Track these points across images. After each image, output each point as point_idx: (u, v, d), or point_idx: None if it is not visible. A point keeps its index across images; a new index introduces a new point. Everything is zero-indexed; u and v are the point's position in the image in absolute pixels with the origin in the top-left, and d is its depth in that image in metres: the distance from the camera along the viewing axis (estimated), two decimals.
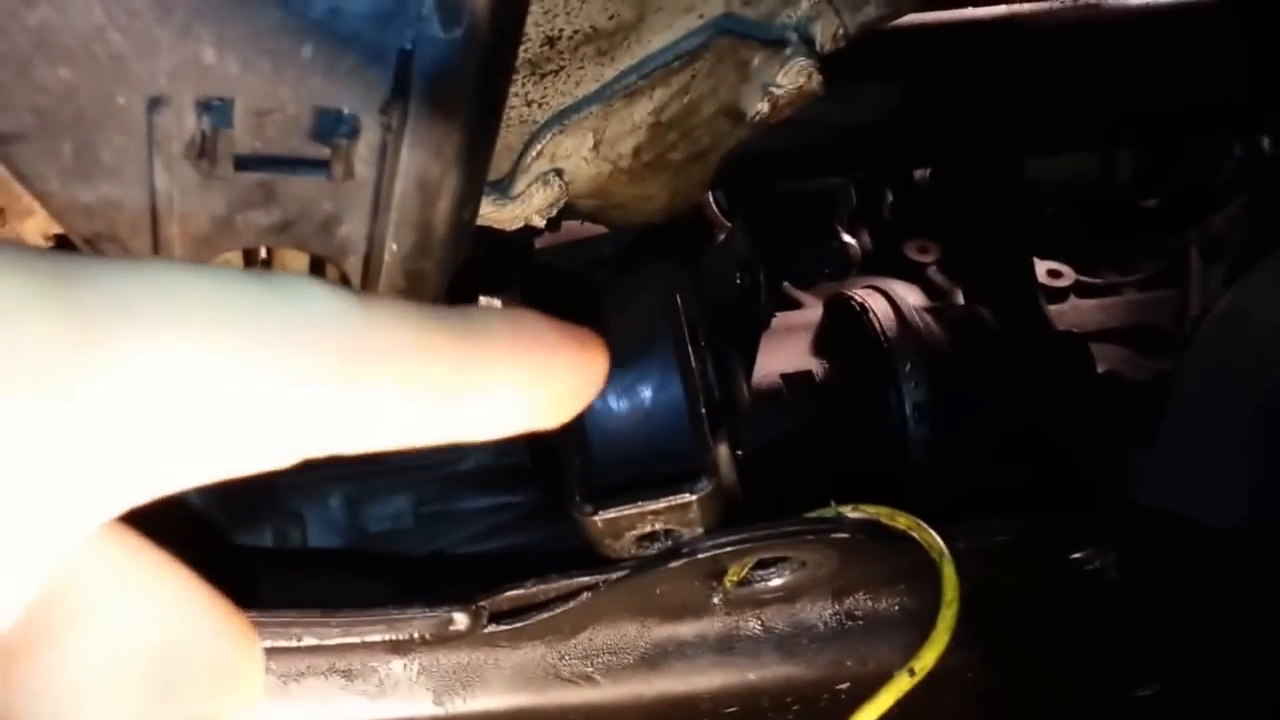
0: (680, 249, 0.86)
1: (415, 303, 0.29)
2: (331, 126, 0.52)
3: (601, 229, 0.86)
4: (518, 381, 0.29)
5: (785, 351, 1.11)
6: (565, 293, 0.81)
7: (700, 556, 0.70)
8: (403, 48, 0.49)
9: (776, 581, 0.74)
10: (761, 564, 0.74)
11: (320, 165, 0.53)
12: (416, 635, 0.68)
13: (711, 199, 1.11)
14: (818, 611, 0.76)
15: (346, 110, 0.51)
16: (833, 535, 0.70)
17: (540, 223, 0.72)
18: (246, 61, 0.49)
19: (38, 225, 0.58)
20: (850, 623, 0.75)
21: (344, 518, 1.02)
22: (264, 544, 0.92)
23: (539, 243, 0.85)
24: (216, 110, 0.51)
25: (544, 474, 0.99)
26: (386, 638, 0.68)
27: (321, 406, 0.26)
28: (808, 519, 0.72)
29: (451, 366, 0.28)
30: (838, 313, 1.14)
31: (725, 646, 0.76)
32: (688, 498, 0.70)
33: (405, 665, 0.69)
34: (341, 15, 0.48)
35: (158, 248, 0.56)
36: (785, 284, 1.25)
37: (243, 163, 0.53)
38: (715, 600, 0.74)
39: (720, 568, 0.72)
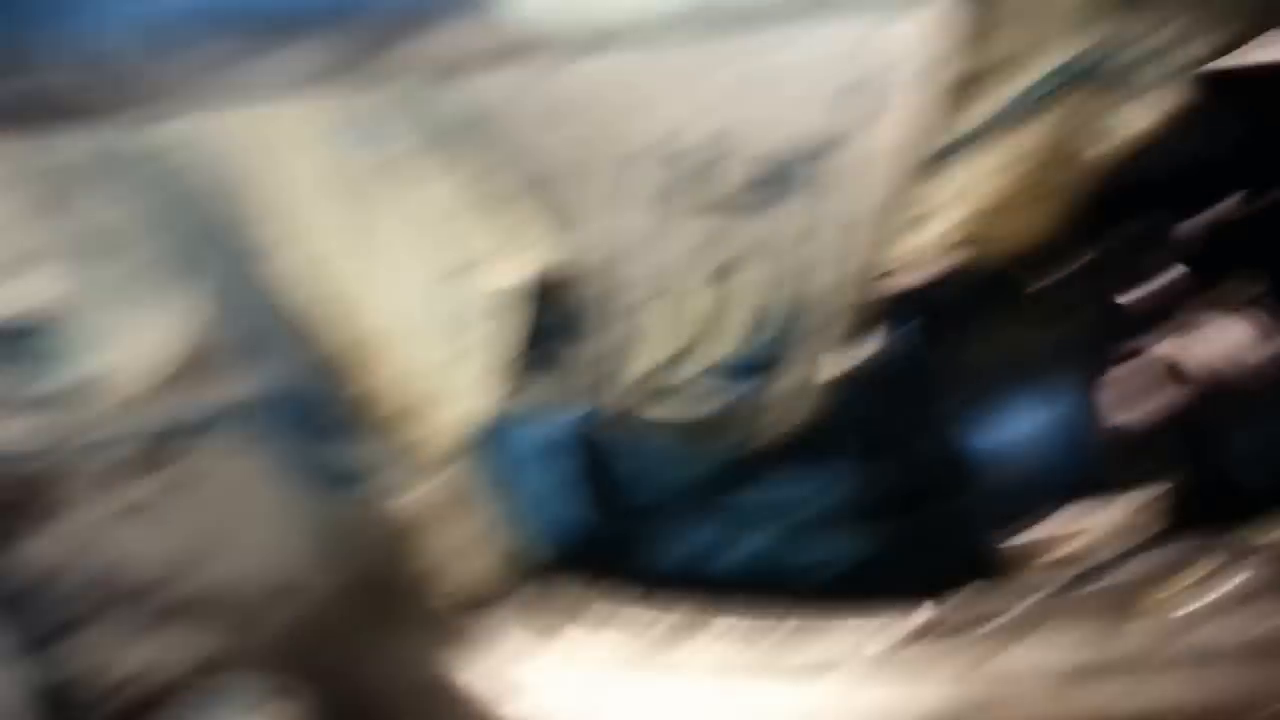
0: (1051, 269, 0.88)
1: None
2: (780, 180, 0.59)
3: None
4: None
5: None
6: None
7: (1130, 575, 0.71)
8: None
9: (1210, 598, 0.73)
10: (1194, 581, 0.74)
11: (763, 206, 0.60)
12: (886, 631, 0.71)
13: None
14: (1262, 625, 0.74)
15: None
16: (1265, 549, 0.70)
17: (930, 259, 0.77)
18: None
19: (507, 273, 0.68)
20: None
21: (712, 547, 1.06)
22: None
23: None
24: None
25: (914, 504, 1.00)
26: (863, 633, 0.71)
27: None
28: (1234, 535, 0.72)
29: None
30: None
31: (1161, 659, 0.75)
32: (1100, 518, 0.71)
33: (836, 677, 0.73)
34: None
35: (621, 285, 0.64)
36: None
37: (702, 208, 0.60)
38: (1147, 615, 0.74)
39: (1152, 583, 0.72)
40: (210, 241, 0.53)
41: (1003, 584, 0.75)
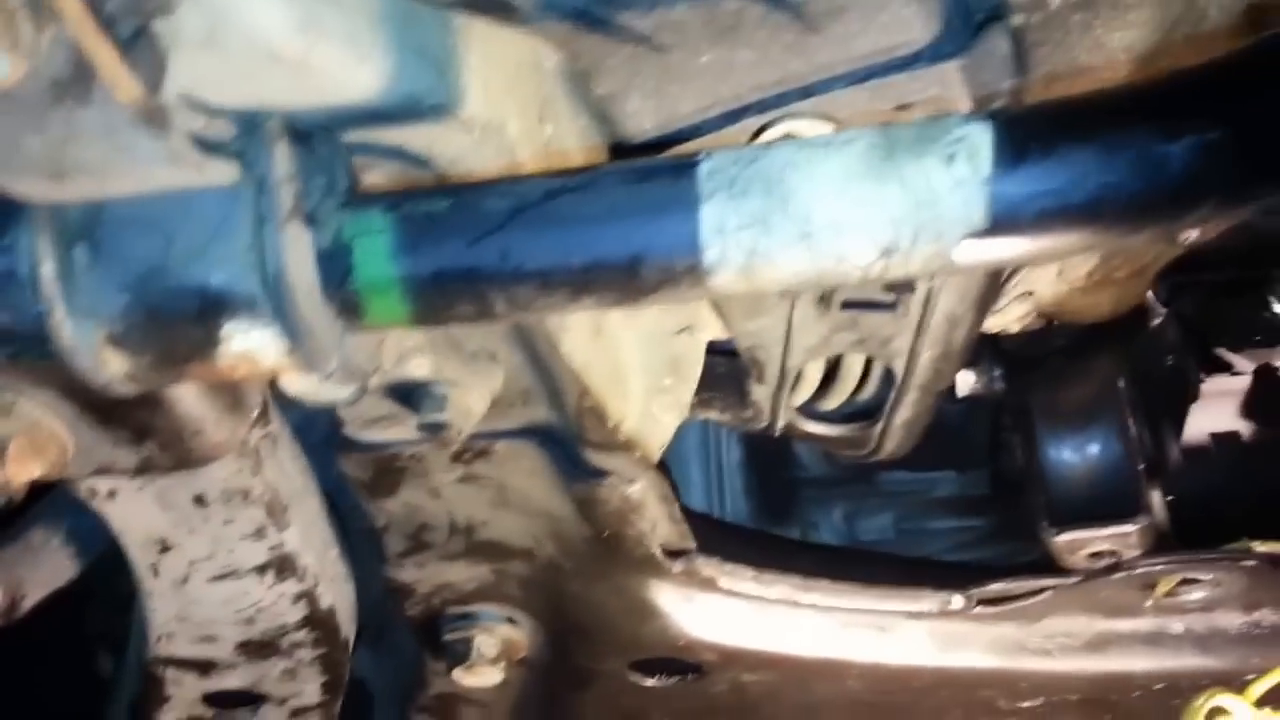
0: (1120, 334, 1.12)
1: None
2: (902, 287, 0.86)
3: None
4: None
5: (1215, 414, 1.31)
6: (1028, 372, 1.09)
7: (1137, 572, 0.97)
8: None
9: (1197, 595, 0.99)
10: (1185, 581, 1.00)
11: (890, 306, 0.88)
12: (927, 608, 1.01)
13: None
14: (1230, 620, 0.99)
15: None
16: (1243, 563, 0.95)
17: (1015, 328, 1.03)
18: None
19: (710, 334, 0.97)
20: (1258, 630, 0.98)
21: (843, 526, 1.37)
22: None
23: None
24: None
25: (1002, 503, 1.28)
26: (908, 607, 1.01)
27: None
28: (1224, 550, 0.97)
29: None
30: (1266, 381, 1.33)
31: (1154, 641, 1.02)
32: (1129, 528, 0.97)
33: (918, 626, 1.02)
34: None
35: (787, 353, 0.93)
36: (1217, 349, 1.45)
37: (846, 305, 0.88)
38: (1147, 605, 1.00)
39: (1153, 581, 0.99)
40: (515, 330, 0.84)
41: (1051, 568, 1.02)
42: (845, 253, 0.62)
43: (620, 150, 0.82)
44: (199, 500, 0.92)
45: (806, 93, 0.80)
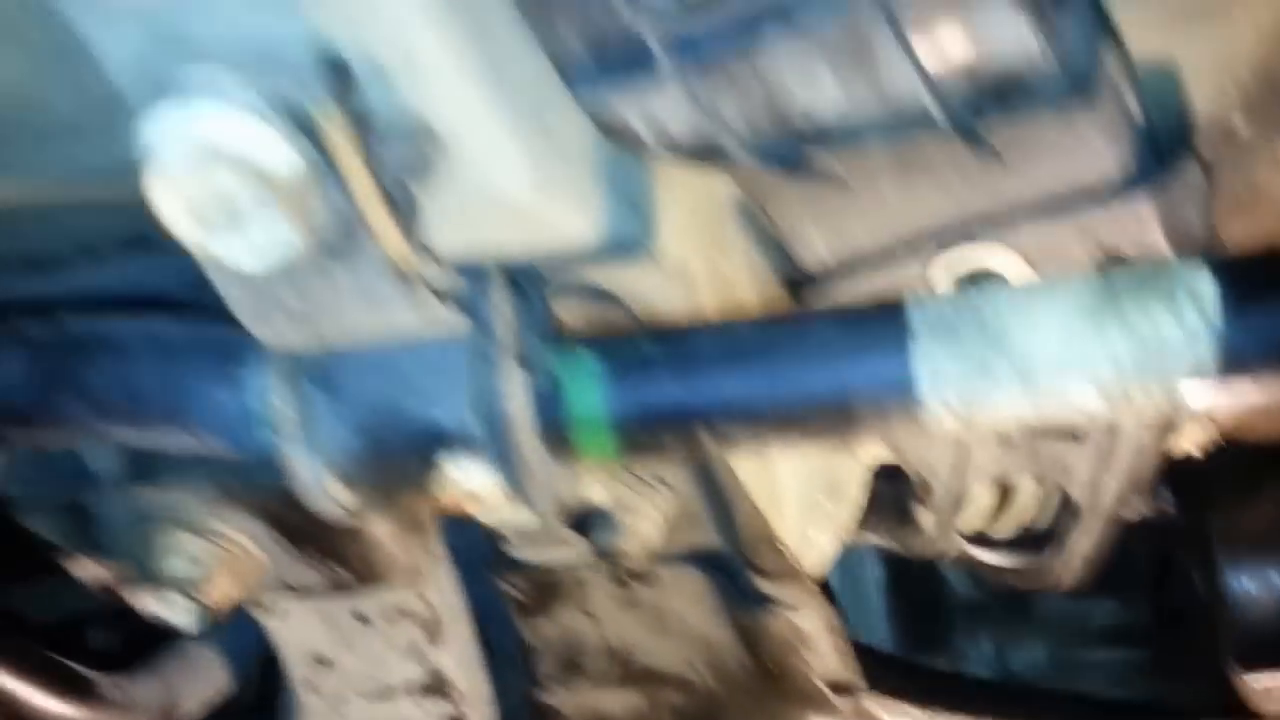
0: None
1: None
2: None
3: None
4: None
5: None
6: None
7: None
8: None
9: None
10: None
11: (1073, 436, 0.85)
12: None
13: None
14: None
15: None
16: None
17: (1192, 451, 0.99)
18: None
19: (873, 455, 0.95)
20: None
21: (994, 656, 1.32)
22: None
23: None
24: None
25: (1167, 633, 1.22)
26: None
27: None
28: None
29: None
30: None
31: None
32: None
33: None
34: None
35: (958, 479, 0.90)
36: None
37: (1027, 434, 0.86)
38: None
39: None
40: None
41: (1240, 712, 0.96)
42: (1067, 396, 0.60)
43: (794, 282, 0.82)
44: (361, 617, 0.91)
45: (989, 225, 0.79)
